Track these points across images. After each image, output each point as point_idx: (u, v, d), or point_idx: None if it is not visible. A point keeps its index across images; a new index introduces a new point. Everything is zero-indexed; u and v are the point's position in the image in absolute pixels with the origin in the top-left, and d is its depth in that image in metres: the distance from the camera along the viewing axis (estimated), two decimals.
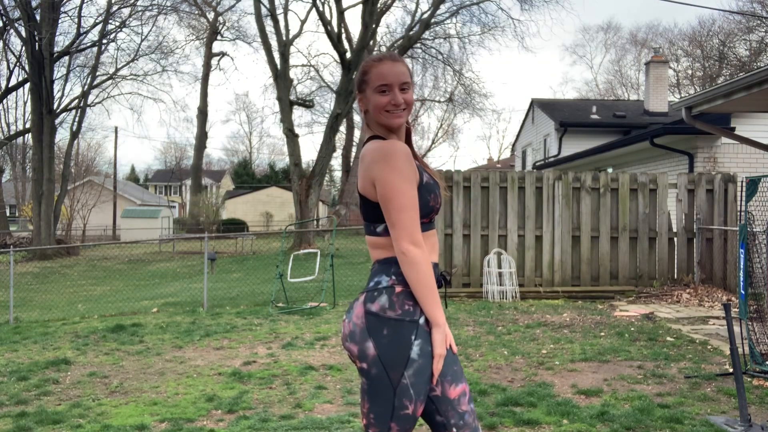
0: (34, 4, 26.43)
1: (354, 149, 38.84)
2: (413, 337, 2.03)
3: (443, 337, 2.06)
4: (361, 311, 2.08)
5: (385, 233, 2.12)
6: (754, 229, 5.71)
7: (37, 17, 26.06)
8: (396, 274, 2.08)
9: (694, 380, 5.25)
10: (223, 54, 48.27)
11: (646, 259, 10.53)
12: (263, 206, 48.10)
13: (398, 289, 2.07)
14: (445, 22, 29.67)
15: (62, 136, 44.98)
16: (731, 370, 5.18)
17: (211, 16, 41.38)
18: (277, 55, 26.62)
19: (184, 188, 69.08)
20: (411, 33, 27.92)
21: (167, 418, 4.55)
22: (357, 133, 38.30)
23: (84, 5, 29.72)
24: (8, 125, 38.78)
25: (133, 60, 30.58)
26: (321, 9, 26.96)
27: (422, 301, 2.05)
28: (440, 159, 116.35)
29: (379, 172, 2.06)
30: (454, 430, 2.09)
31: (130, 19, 29.17)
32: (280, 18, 27.13)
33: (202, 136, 48.57)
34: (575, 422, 4.26)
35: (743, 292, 5.35)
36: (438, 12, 27.84)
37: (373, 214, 2.14)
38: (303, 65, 45.25)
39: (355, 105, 22.63)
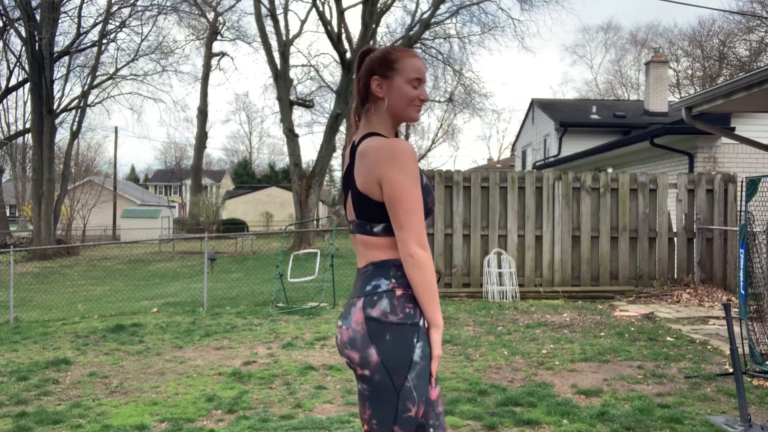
0: (34, 4, 26.42)
1: None
2: (415, 340, 2.00)
3: (440, 339, 2.06)
4: (361, 317, 2.02)
5: (383, 233, 2.06)
6: (754, 229, 5.71)
7: (37, 17, 26.05)
8: (395, 277, 2.04)
9: (694, 380, 5.25)
10: (223, 54, 48.26)
11: (646, 259, 10.53)
12: (263, 206, 48.11)
13: (399, 292, 2.03)
14: (445, 22, 29.65)
15: (62, 136, 44.92)
16: (731, 370, 5.18)
17: (211, 16, 41.39)
18: (277, 55, 26.62)
19: (184, 188, 69.08)
20: (411, 33, 27.91)
21: (167, 418, 4.55)
22: None
23: (84, 5, 29.71)
24: (8, 125, 38.76)
25: (133, 60, 30.58)
26: (321, 9, 26.98)
27: (425, 304, 2.02)
28: (440, 159, 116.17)
29: (387, 172, 2.00)
30: (431, 430, 2.10)
31: (130, 19, 29.18)
32: (280, 18, 27.17)
33: (202, 136, 48.58)
34: (575, 422, 4.27)
35: (743, 292, 5.35)
36: (438, 12, 27.85)
37: (372, 214, 2.07)
38: (303, 65, 45.34)
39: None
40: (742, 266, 5.44)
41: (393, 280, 2.04)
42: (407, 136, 45.86)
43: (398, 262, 2.05)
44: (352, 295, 2.11)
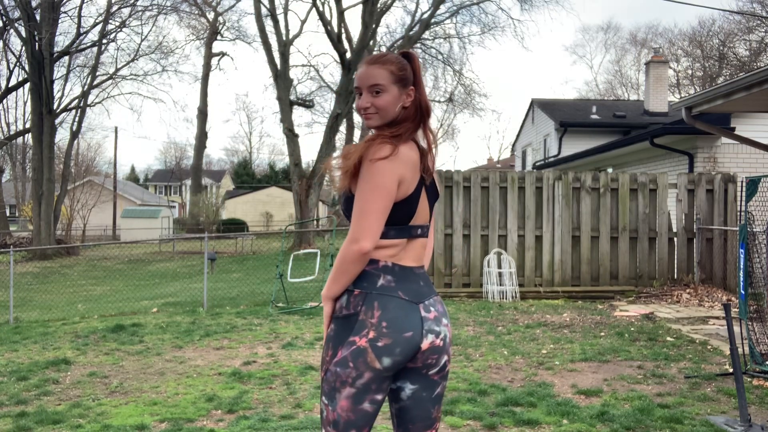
0: (34, 4, 26.40)
1: None
2: None
3: None
4: (447, 315, 2.16)
5: None
6: (754, 229, 5.71)
7: (37, 17, 26.03)
8: None
9: (694, 380, 5.25)
10: (223, 54, 48.31)
11: (646, 259, 10.53)
12: (263, 206, 48.10)
13: None
14: (445, 22, 29.69)
15: (62, 136, 44.94)
16: (731, 370, 5.18)
17: (211, 16, 41.33)
18: (277, 55, 26.63)
19: (184, 188, 69.05)
20: (411, 33, 27.92)
21: (167, 418, 4.55)
22: (357, 133, 38.28)
23: (84, 5, 29.74)
24: (8, 125, 38.82)
25: (133, 60, 30.57)
26: (321, 9, 26.99)
27: None
28: (440, 159, 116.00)
29: None
30: None
31: (130, 19, 29.17)
32: (280, 18, 27.20)
33: (202, 136, 48.54)
34: (575, 422, 4.26)
35: (743, 292, 5.35)
36: (438, 12, 27.88)
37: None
38: (303, 65, 45.39)
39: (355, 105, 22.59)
40: (742, 266, 5.44)
41: None
42: None
43: None
44: (429, 294, 2.07)
